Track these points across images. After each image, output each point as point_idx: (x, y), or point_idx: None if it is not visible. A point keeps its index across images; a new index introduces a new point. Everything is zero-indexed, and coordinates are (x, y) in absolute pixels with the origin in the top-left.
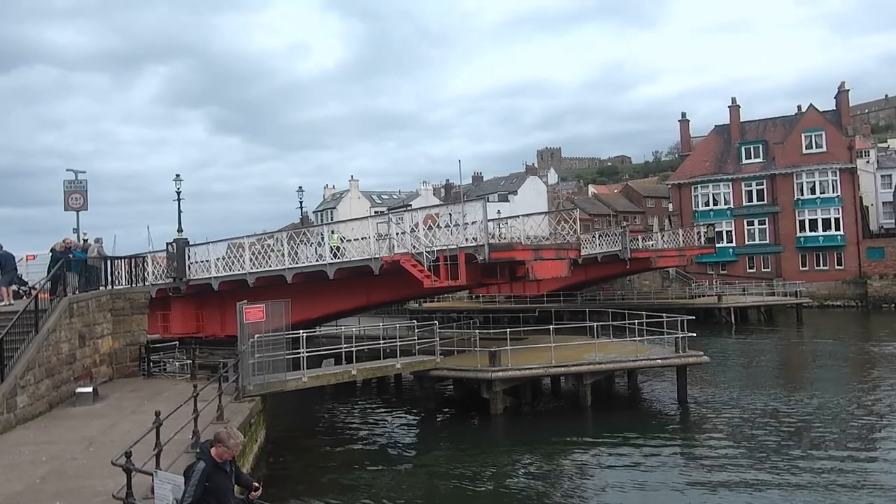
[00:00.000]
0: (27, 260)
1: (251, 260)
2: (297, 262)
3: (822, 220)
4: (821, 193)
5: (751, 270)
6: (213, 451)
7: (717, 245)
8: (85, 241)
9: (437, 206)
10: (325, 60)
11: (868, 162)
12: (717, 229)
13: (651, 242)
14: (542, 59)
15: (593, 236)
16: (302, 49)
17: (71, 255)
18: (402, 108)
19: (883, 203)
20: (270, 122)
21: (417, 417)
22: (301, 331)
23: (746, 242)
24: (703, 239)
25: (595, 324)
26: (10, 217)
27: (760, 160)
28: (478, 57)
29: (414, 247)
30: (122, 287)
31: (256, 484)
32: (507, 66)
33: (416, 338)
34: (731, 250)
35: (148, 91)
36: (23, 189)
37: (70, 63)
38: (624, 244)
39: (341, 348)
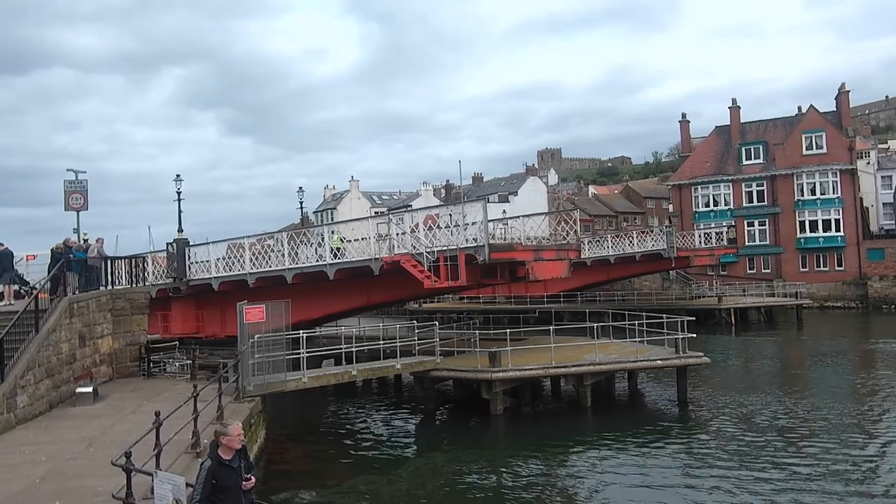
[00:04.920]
0: (27, 260)
1: (251, 260)
2: (297, 263)
3: (823, 221)
4: (821, 194)
5: (751, 271)
6: (219, 449)
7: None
8: (85, 241)
9: (437, 206)
10: (340, 64)
11: (868, 163)
12: (716, 230)
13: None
14: (552, 62)
15: (631, 236)
16: (318, 53)
17: (71, 255)
18: (412, 110)
19: (883, 204)
20: (282, 123)
21: (417, 418)
22: (301, 331)
23: (747, 243)
24: (725, 240)
25: (595, 324)
26: (18, 217)
27: (761, 161)
28: (489, 61)
29: (414, 247)
30: (122, 287)
31: (248, 475)
32: (517, 70)
33: (416, 338)
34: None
35: (163, 93)
36: (32, 189)
37: (87, 65)
38: (670, 243)
39: (341, 349)
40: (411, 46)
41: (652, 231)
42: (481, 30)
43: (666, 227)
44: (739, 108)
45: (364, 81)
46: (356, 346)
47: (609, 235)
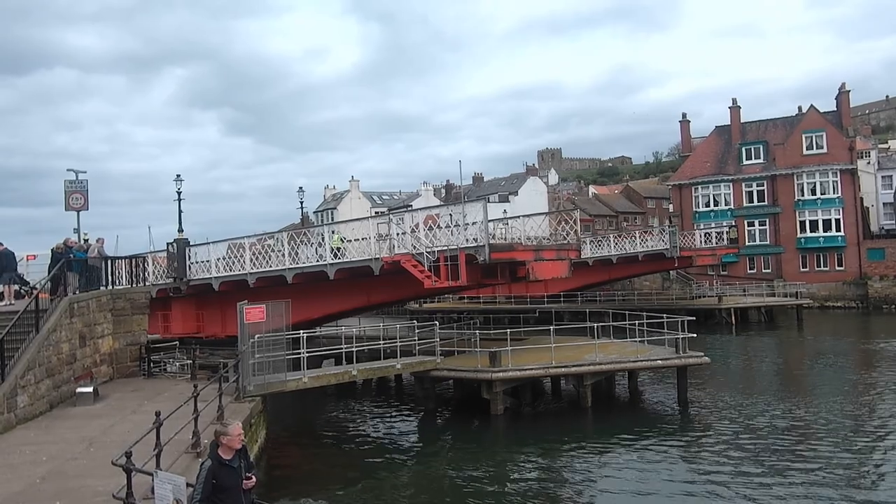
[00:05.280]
0: (27, 260)
1: (251, 260)
2: (297, 263)
3: (823, 220)
4: (821, 194)
5: (751, 271)
6: (219, 449)
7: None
8: (85, 240)
9: (437, 206)
10: (340, 64)
11: (869, 163)
12: (716, 230)
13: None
14: (553, 62)
15: (633, 236)
16: (319, 53)
17: (71, 255)
18: (413, 110)
19: (883, 204)
20: (282, 124)
21: (417, 418)
22: (301, 331)
23: (747, 243)
24: (727, 240)
25: (595, 324)
26: (19, 217)
27: (761, 161)
28: (490, 61)
29: (414, 247)
30: (122, 287)
31: (248, 475)
32: (518, 70)
33: (416, 338)
34: None
35: (164, 93)
36: (32, 189)
37: (88, 65)
38: (673, 243)
39: (341, 349)
40: (412, 46)
41: (655, 231)
42: (482, 30)
43: (669, 227)
44: (740, 107)
45: (364, 81)
46: (356, 346)
47: (611, 235)
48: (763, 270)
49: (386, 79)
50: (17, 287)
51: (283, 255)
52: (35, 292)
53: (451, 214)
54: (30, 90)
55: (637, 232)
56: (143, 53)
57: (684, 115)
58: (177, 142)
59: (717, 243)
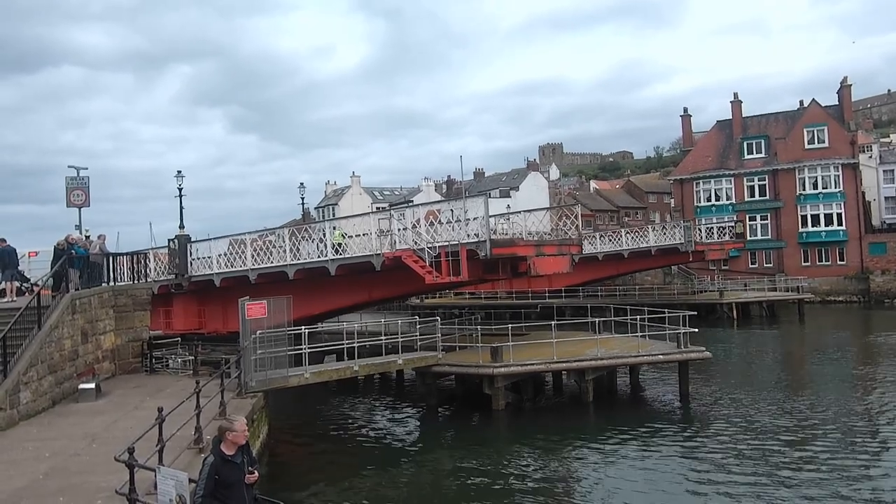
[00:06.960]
0: (29, 256)
1: (253, 256)
2: (298, 259)
3: (825, 215)
4: (823, 189)
5: (753, 266)
6: (222, 445)
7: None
8: (87, 237)
9: (438, 201)
10: (347, 62)
11: (870, 157)
12: (718, 225)
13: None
14: (558, 58)
15: (645, 232)
16: (326, 51)
17: (73, 252)
18: (418, 107)
19: (885, 198)
20: (288, 121)
21: (419, 413)
22: (303, 327)
23: (748, 238)
24: (732, 234)
25: (597, 319)
26: (25, 214)
27: (762, 155)
28: (495, 57)
29: (415, 242)
30: (124, 283)
31: (252, 469)
32: (524, 66)
33: (417, 334)
34: None
35: (170, 90)
36: (39, 187)
37: (95, 63)
38: (688, 237)
39: (343, 344)
40: (417, 43)
41: (668, 225)
42: (487, 27)
43: (684, 221)
44: (741, 102)
45: (371, 78)
46: (358, 342)
47: (623, 230)
48: (765, 265)
49: (391, 76)
50: (18, 284)
51: (285, 251)
52: (37, 289)
53: (452, 210)
54: (37, 88)
55: (650, 227)
56: (151, 51)
57: (685, 110)
58: (182, 139)
59: (719, 238)
